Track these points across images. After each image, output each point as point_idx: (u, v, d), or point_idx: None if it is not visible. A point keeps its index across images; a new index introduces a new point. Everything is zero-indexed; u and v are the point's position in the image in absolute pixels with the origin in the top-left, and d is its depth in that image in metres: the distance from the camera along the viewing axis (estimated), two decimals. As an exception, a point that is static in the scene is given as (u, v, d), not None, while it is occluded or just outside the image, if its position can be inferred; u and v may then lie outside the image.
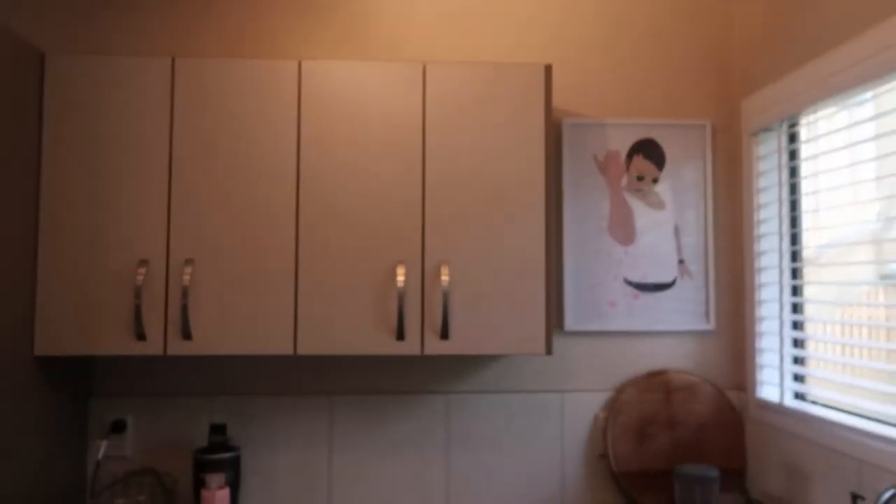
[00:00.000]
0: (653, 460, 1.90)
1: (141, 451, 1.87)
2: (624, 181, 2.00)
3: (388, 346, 1.62)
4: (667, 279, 1.99)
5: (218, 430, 1.76)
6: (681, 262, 2.00)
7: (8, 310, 1.48)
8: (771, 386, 1.85)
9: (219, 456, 1.71)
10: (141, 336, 1.57)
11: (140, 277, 1.56)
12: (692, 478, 1.59)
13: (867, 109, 1.54)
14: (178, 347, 1.59)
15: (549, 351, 1.65)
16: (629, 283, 1.98)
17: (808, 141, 1.76)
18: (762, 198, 1.89)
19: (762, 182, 1.89)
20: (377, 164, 1.64)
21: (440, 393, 1.94)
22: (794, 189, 1.83)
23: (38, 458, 1.60)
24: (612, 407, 1.94)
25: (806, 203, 1.78)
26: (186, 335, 1.57)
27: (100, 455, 1.78)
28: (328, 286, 1.62)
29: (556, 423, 1.95)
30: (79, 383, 1.81)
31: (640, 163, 2.00)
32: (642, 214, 2.00)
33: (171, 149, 1.62)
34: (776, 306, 1.84)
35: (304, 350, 1.61)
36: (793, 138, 1.83)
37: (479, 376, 1.95)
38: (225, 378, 1.90)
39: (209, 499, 1.60)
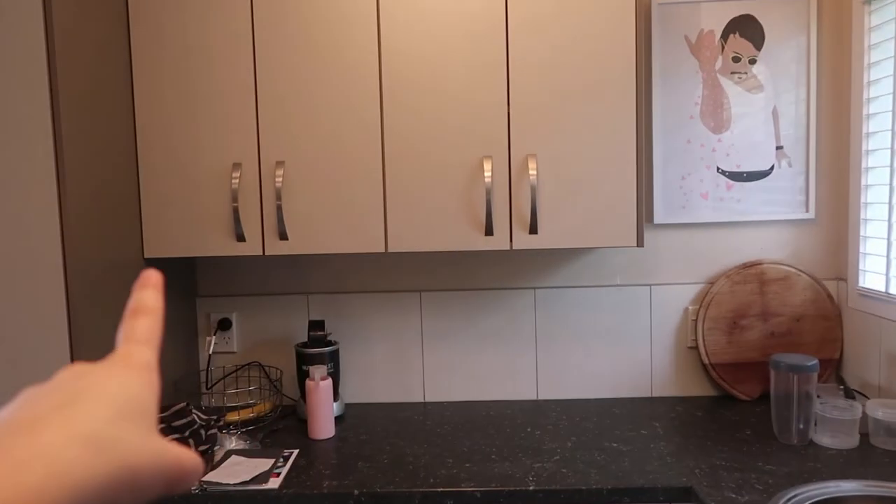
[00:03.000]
0: (746, 351, 1.88)
1: (246, 347, 1.99)
2: (718, 63, 1.88)
3: (477, 242, 1.63)
4: (763, 167, 1.90)
5: (317, 325, 1.84)
6: (779, 148, 1.89)
7: (120, 217, 1.57)
8: (874, 275, 1.77)
9: (320, 350, 1.80)
10: (241, 238, 1.63)
11: (235, 181, 1.61)
12: (789, 366, 1.57)
13: None
14: (276, 247, 1.65)
15: (640, 243, 1.63)
16: (722, 172, 1.90)
17: (931, 6, 1.59)
18: (874, 73, 1.74)
19: (874, 56, 1.74)
20: (460, 58, 1.60)
21: (529, 288, 1.96)
22: (911, 62, 1.68)
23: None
24: (703, 299, 1.91)
25: (925, 76, 1.63)
26: (283, 236, 1.63)
27: (210, 350, 1.91)
28: (416, 184, 1.62)
29: (644, 315, 1.95)
30: (186, 284, 1.92)
31: (737, 42, 1.87)
32: (738, 99, 1.88)
33: (254, 53, 1.62)
34: (885, 191, 1.74)
35: (394, 248, 1.64)
36: (913, 4, 1.65)
37: (567, 270, 1.95)
38: (320, 276, 1.98)
39: (313, 389, 1.69)
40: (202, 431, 1.56)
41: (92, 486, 0.28)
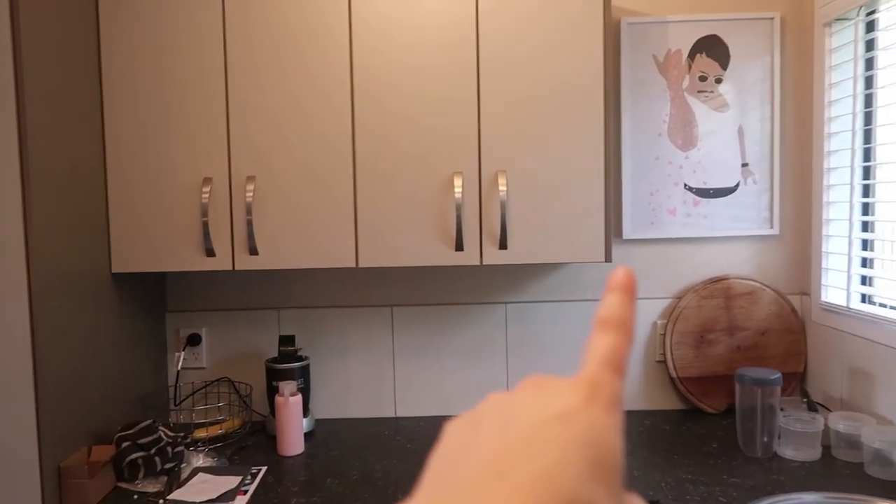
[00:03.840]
0: (712, 365, 1.91)
1: (216, 362, 1.97)
2: (685, 82, 1.91)
3: (448, 257, 1.64)
4: (729, 184, 1.94)
5: (287, 340, 1.83)
6: (744, 165, 1.94)
7: (85, 231, 1.55)
8: (836, 290, 1.81)
9: (290, 365, 1.79)
10: (210, 252, 1.62)
11: (205, 196, 1.61)
12: (753, 380, 1.60)
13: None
14: (246, 262, 1.64)
15: (608, 259, 1.65)
16: (689, 188, 1.94)
17: (887, 28, 1.64)
18: (834, 93, 1.79)
19: (835, 76, 1.79)
20: (431, 74, 1.61)
21: (499, 303, 1.97)
22: (868, 83, 1.73)
23: (124, 369, 1.71)
24: (671, 313, 1.94)
25: (883, 97, 1.68)
26: (253, 251, 1.62)
27: (179, 366, 1.89)
28: (387, 200, 1.63)
29: (614, 330, 1.97)
30: (155, 299, 1.90)
31: (703, 61, 1.91)
32: (705, 117, 1.92)
33: (225, 68, 1.62)
34: (846, 208, 1.78)
35: (365, 262, 1.64)
36: (870, 27, 1.71)
37: (538, 285, 1.97)
38: (291, 291, 1.97)
39: (283, 404, 1.68)
40: (169, 449, 1.54)
41: None
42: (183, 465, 1.58)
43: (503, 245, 1.62)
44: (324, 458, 1.66)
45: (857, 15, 1.70)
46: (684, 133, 1.93)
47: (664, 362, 1.96)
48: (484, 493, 0.23)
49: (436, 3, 1.60)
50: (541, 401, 0.28)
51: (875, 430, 1.50)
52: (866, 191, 1.75)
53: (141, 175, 1.64)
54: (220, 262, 1.64)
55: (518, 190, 1.63)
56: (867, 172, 1.74)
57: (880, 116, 1.69)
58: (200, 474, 1.54)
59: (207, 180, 1.62)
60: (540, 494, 0.23)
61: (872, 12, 1.68)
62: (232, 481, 1.50)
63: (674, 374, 1.92)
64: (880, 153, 1.71)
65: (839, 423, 1.58)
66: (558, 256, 1.64)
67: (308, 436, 1.81)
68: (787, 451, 1.59)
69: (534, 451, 0.25)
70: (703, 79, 1.92)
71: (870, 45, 1.71)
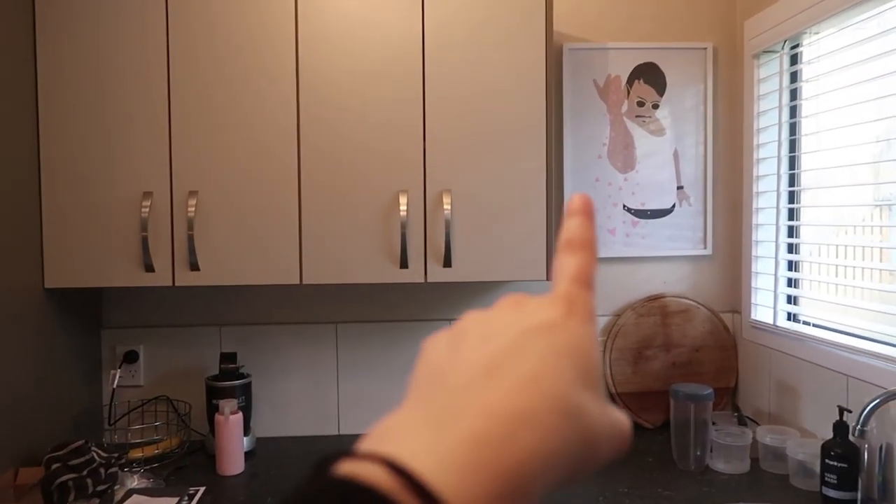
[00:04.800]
0: (650, 381, 1.97)
1: (154, 380, 1.93)
2: (624, 107, 1.99)
3: (392, 275, 1.65)
4: (665, 205, 2.01)
5: (228, 358, 1.81)
6: (680, 188, 2.01)
7: (16, 243, 1.50)
8: (765, 308, 1.90)
9: (230, 383, 1.77)
10: (149, 268, 1.59)
11: (145, 210, 1.58)
12: (687, 396, 1.65)
13: (870, 28, 1.52)
14: (186, 278, 1.61)
15: (549, 277, 1.69)
16: (628, 210, 2.00)
17: (810, 62, 1.74)
18: (762, 121, 1.89)
19: (763, 105, 1.88)
20: (377, 93, 1.63)
21: (443, 320, 1.99)
22: (794, 112, 1.83)
23: (55, 387, 1.66)
24: (611, 330, 1.99)
25: (806, 126, 1.78)
26: (194, 266, 1.60)
27: (114, 384, 1.84)
28: (332, 217, 1.63)
29: (555, 346, 2.01)
30: (90, 315, 1.85)
31: (641, 87, 1.98)
32: (642, 140, 2.00)
33: (168, 80, 1.60)
34: (772, 230, 1.87)
35: (309, 280, 1.64)
36: (795, 60, 1.81)
37: (482, 302, 1.99)
38: (233, 308, 1.94)
39: (222, 423, 1.66)
40: (102, 470, 1.49)
41: (560, 461, 0.23)
42: (116, 487, 1.53)
43: (447, 263, 1.64)
44: (264, 478, 1.64)
45: (783, 48, 1.80)
46: (623, 156, 2.00)
47: (603, 378, 2.01)
48: (476, 392, 0.24)
49: (383, 22, 1.62)
50: (522, 315, 0.29)
51: (799, 443, 1.57)
52: (792, 214, 1.84)
53: (77, 187, 1.60)
54: (160, 278, 1.61)
55: (462, 209, 1.65)
56: (793, 197, 1.84)
57: (804, 144, 1.79)
58: (135, 496, 1.49)
59: (148, 194, 1.59)
60: (531, 394, 0.24)
61: (797, 46, 1.78)
62: (168, 502, 1.46)
63: (613, 390, 1.97)
64: (804, 179, 1.80)
65: (766, 436, 1.65)
66: (501, 275, 1.67)
67: (249, 455, 1.78)
68: (719, 464, 1.65)
69: (521, 357, 0.26)
70: (641, 104, 1.99)
71: (795, 77, 1.82)
